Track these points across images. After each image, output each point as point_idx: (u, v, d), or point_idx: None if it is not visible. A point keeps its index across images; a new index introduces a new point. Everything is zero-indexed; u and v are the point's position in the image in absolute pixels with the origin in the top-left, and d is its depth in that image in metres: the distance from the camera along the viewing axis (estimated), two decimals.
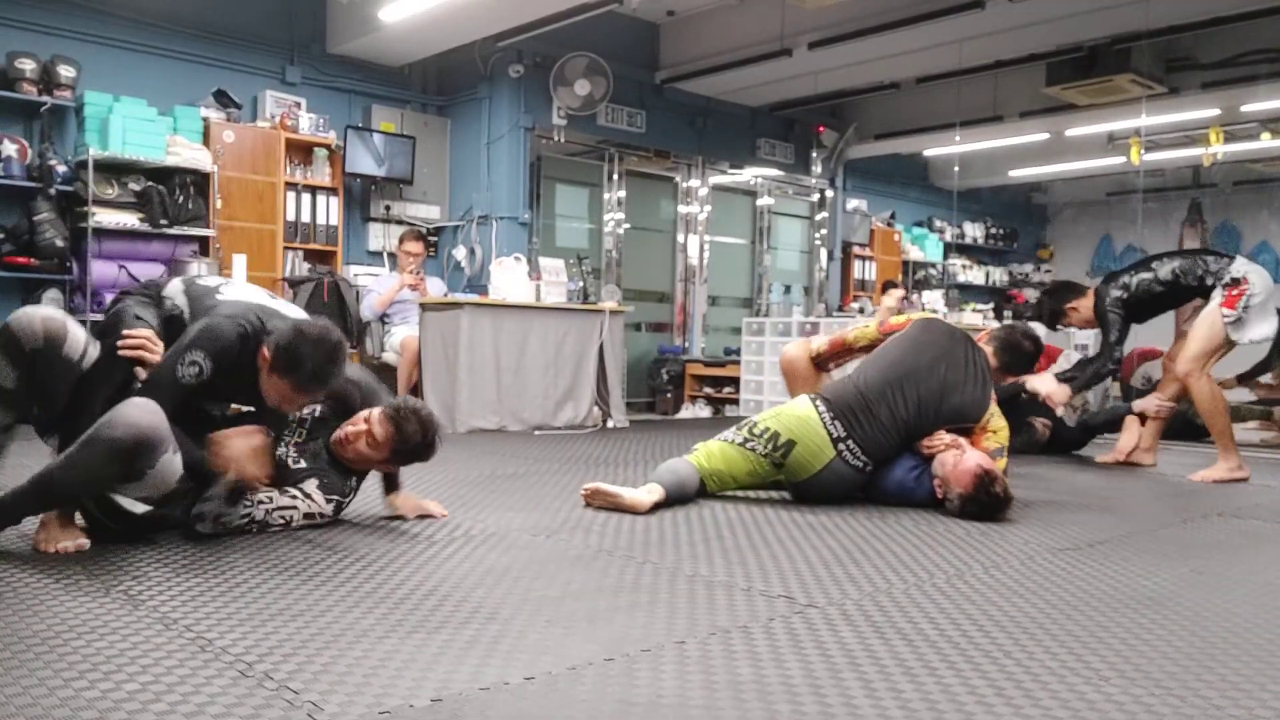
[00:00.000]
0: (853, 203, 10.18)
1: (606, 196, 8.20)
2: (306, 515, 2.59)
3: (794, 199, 9.75)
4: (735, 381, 7.82)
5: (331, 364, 2.43)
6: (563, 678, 1.53)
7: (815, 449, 3.16)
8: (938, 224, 11.55)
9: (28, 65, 5.68)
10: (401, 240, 6.34)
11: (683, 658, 1.63)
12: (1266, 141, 8.65)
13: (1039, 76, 7.61)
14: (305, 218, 6.73)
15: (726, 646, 1.70)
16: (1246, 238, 11.01)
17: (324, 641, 1.66)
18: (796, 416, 3.22)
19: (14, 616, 1.76)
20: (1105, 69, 7.12)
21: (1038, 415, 5.00)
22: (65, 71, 5.77)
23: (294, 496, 2.58)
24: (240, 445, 2.45)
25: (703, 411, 7.91)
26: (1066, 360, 5.29)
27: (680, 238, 8.78)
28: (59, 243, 5.55)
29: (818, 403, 3.24)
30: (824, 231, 9.83)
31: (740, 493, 3.38)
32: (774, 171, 9.26)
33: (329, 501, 2.63)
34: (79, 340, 2.37)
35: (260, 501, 2.51)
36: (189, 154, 6.03)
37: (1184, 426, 5.62)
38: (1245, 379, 6.16)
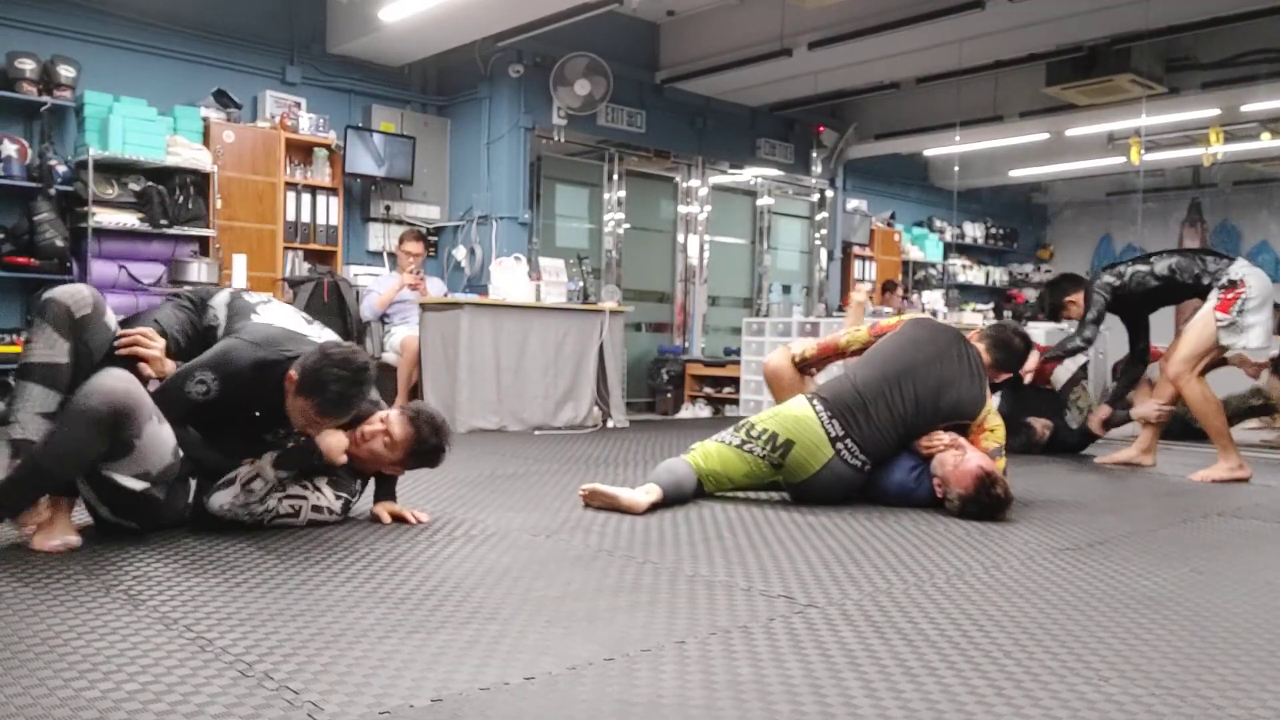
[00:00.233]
0: (853, 203, 10.18)
1: (606, 196, 8.20)
2: (315, 508, 2.59)
3: (794, 199, 9.75)
4: (735, 381, 7.82)
5: (356, 389, 2.44)
6: (563, 678, 1.53)
7: (813, 449, 3.16)
8: (938, 224, 11.55)
9: (28, 65, 5.68)
10: (401, 240, 6.34)
11: (683, 658, 1.63)
12: (1266, 141, 8.65)
13: (1039, 76, 7.61)
14: (305, 218, 6.73)
15: (726, 646, 1.70)
16: (1246, 238, 11.02)
17: (324, 641, 1.66)
18: (794, 417, 3.21)
19: (14, 616, 1.76)
20: (1105, 69, 7.12)
21: (1038, 415, 5.01)
22: (65, 71, 5.77)
23: (304, 487, 2.58)
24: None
25: (703, 411, 7.92)
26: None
27: (680, 238, 8.78)
28: (59, 243, 5.55)
29: (815, 402, 3.24)
30: (824, 231, 9.84)
31: (740, 493, 3.38)
32: (774, 171, 9.26)
33: (338, 499, 2.64)
34: (113, 314, 2.48)
35: (274, 490, 2.51)
36: (189, 154, 6.03)
37: (1184, 428, 5.62)
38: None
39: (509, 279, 5.96)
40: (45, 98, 5.72)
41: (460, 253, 7.37)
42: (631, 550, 2.47)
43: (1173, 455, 5.02)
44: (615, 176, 8.18)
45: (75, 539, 2.30)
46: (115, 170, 5.87)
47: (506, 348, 5.73)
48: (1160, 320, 4.89)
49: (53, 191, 5.63)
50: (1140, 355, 4.87)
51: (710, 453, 3.29)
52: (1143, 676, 1.60)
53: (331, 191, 6.88)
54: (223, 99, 6.42)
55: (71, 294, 2.36)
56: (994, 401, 3.44)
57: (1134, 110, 7.89)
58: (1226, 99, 7.74)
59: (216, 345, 2.51)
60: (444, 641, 1.68)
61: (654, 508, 3.04)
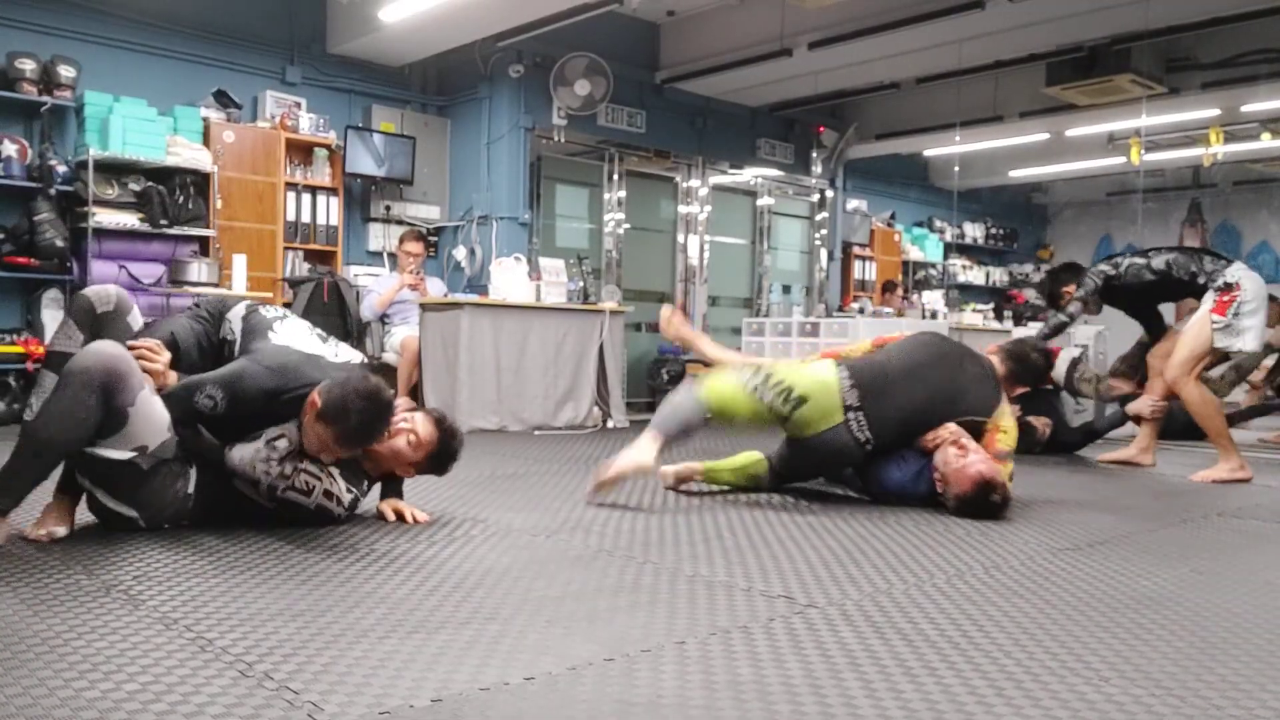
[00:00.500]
0: (853, 203, 10.18)
1: (606, 196, 8.19)
2: (326, 494, 2.57)
3: (794, 199, 9.74)
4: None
5: (376, 422, 2.46)
6: (563, 678, 1.53)
7: (825, 411, 3.19)
8: (938, 224, 11.54)
9: (28, 65, 5.68)
10: (401, 240, 6.34)
11: (683, 658, 1.63)
12: (1266, 141, 8.65)
13: (1039, 76, 7.61)
14: (305, 218, 6.73)
15: (726, 646, 1.70)
16: (1246, 238, 11.02)
17: (324, 641, 1.66)
18: (817, 379, 3.24)
19: (14, 616, 1.76)
20: (1105, 69, 7.11)
21: (1039, 415, 5.00)
22: (65, 71, 5.77)
23: (321, 467, 2.56)
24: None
25: None
26: (1068, 354, 5.29)
27: (680, 238, 8.77)
28: (59, 243, 5.55)
29: (841, 369, 3.27)
30: (824, 232, 9.83)
31: (740, 494, 3.38)
32: (774, 171, 9.26)
33: (349, 491, 2.64)
34: (138, 316, 2.57)
35: (294, 457, 2.49)
36: (189, 154, 6.02)
37: (1185, 428, 5.62)
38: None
39: (509, 279, 5.96)
40: (45, 98, 5.72)
41: (460, 253, 7.37)
42: (631, 550, 2.48)
43: (1173, 455, 5.02)
44: (615, 176, 8.18)
45: (61, 530, 2.34)
46: (115, 170, 5.87)
47: (506, 348, 5.73)
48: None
49: (53, 191, 5.62)
50: (1159, 334, 4.87)
51: (721, 390, 3.29)
52: (1143, 676, 1.61)
53: (331, 191, 6.88)
54: (223, 99, 6.42)
55: (97, 292, 2.50)
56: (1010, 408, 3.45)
57: (1134, 110, 7.89)
58: (1226, 99, 7.74)
59: (232, 364, 2.53)
60: (444, 641, 1.68)
61: (661, 455, 3.14)
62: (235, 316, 2.67)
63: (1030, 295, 11.21)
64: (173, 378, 2.48)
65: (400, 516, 2.76)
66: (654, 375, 8.32)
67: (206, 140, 6.23)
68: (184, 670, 1.51)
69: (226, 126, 6.36)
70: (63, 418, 2.21)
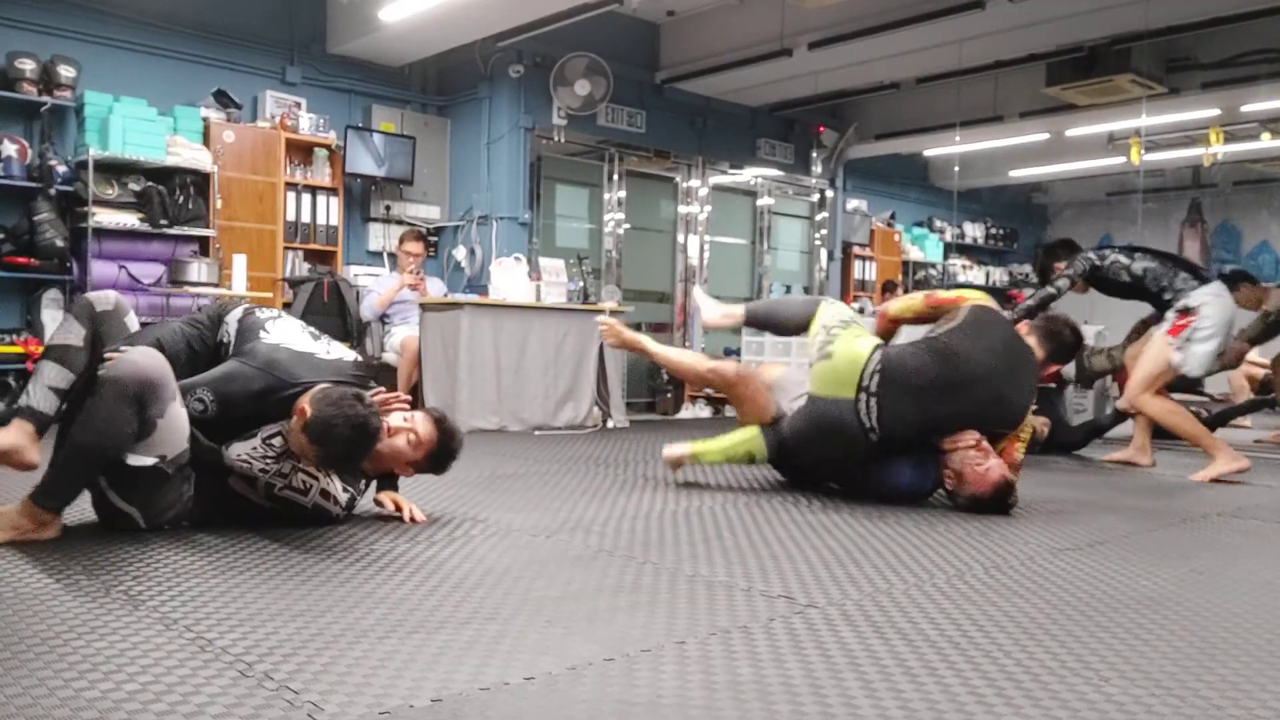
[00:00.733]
0: (853, 203, 10.18)
1: (606, 196, 8.19)
2: (323, 493, 2.58)
3: (794, 199, 9.74)
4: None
5: (358, 453, 2.46)
6: (563, 678, 1.53)
7: (841, 382, 3.21)
8: (938, 224, 11.55)
9: (28, 65, 5.68)
10: (401, 240, 6.34)
11: (683, 658, 1.63)
12: (1266, 141, 8.65)
13: (1039, 76, 7.61)
14: (305, 218, 6.73)
15: (726, 646, 1.70)
16: (1246, 238, 11.02)
17: (324, 641, 1.66)
18: (850, 351, 3.25)
19: (14, 616, 1.76)
20: (1105, 69, 7.12)
21: (1038, 414, 5.00)
22: (65, 71, 5.77)
23: (319, 469, 2.57)
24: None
25: (703, 412, 7.91)
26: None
27: (680, 238, 8.77)
28: (59, 243, 5.55)
29: (877, 353, 3.25)
30: (824, 232, 9.83)
31: (740, 494, 3.38)
32: (774, 171, 9.26)
33: (345, 491, 2.65)
34: (135, 320, 2.62)
35: (291, 456, 2.50)
36: (189, 154, 6.03)
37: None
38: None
39: (509, 279, 5.96)
40: (45, 98, 5.72)
41: (460, 253, 7.37)
42: (631, 550, 2.48)
43: (1173, 455, 5.02)
44: (615, 176, 8.18)
45: (52, 532, 2.36)
46: (115, 170, 5.87)
47: (506, 348, 5.73)
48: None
49: (53, 191, 5.63)
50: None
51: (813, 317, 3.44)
52: (1143, 676, 1.61)
53: (331, 191, 6.88)
54: (223, 99, 6.42)
55: (97, 294, 2.56)
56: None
57: (1134, 110, 7.89)
58: (1226, 99, 7.74)
59: (222, 366, 2.54)
60: (444, 641, 1.68)
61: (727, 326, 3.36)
62: (232, 319, 2.68)
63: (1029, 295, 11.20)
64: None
65: (398, 508, 2.77)
66: (654, 375, 8.32)
67: (206, 140, 6.24)
68: (184, 670, 1.50)
69: (226, 126, 6.36)
70: (102, 427, 2.26)
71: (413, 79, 7.62)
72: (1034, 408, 3.45)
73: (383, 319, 6.21)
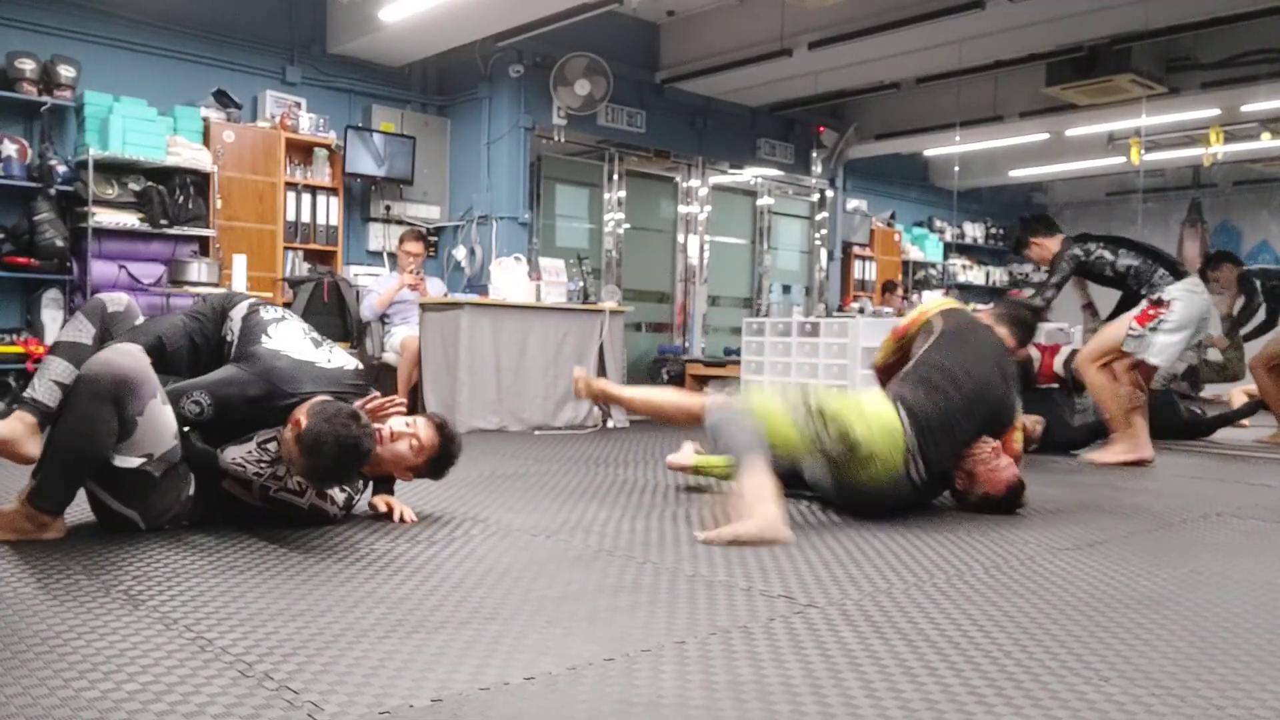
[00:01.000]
0: (853, 203, 10.18)
1: (606, 196, 8.20)
2: (319, 494, 2.58)
3: (794, 199, 9.75)
4: (736, 382, 7.80)
5: (346, 473, 2.46)
6: (563, 678, 1.53)
7: (892, 463, 2.92)
8: (938, 224, 11.55)
9: (28, 65, 5.68)
10: (401, 240, 6.34)
11: (683, 658, 1.63)
12: (1266, 141, 8.65)
13: (1039, 76, 7.61)
14: (305, 218, 6.74)
15: (726, 646, 1.70)
16: (1246, 238, 11.02)
17: (324, 641, 1.66)
18: (883, 423, 2.91)
19: (14, 616, 1.76)
20: (1105, 69, 7.12)
21: (1034, 414, 4.99)
22: (65, 71, 5.77)
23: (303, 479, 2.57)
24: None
25: None
26: (1067, 350, 5.29)
27: (680, 238, 8.78)
28: (59, 243, 5.55)
29: (901, 413, 2.96)
30: (824, 231, 9.84)
31: None
32: (774, 171, 9.26)
33: (342, 491, 2.65)
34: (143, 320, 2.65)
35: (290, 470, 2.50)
36: (189, 154, 6.03)
37: (1187, 426, 5.62)
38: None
39: (509, 279, 5.96)
40: (45, 98, 5.72)
41: (460, 253, 7.37)
42: (631, 550, 2.48)
43: (1173, 455, 5.02)
44: (615, 176, 8.18)
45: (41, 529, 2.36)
46: (115, 170, 5.87)
47: (506, 348, 5.73)
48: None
49: (53, 191, 5.63)
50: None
51: (768, 411, 2.90)
52: (1143, 676, 1.60)
53: (331, 191, 6.88)
54: (223, 99, 6.42)
55: (110, 295, 2.60)
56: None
57: (1134, 110, 7.90)
58: (1226, 99, 7.74)
59: (221, 370, 2.54)
60: (444, 641, 1.68)
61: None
62: (237, 315, 2.67)
63: (1029, 295, 11.20)
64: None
65: (391, 510, 2.77)
66: (654, 375, 8.32)
67: (206, 140, 6.24)
68: (184, 670, 1.50)
69: (226, 126, 6.36)
70: (79, 427, 2.24)
71: (413, 79, 7.62)
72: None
73: (383, 319, 6.21)
